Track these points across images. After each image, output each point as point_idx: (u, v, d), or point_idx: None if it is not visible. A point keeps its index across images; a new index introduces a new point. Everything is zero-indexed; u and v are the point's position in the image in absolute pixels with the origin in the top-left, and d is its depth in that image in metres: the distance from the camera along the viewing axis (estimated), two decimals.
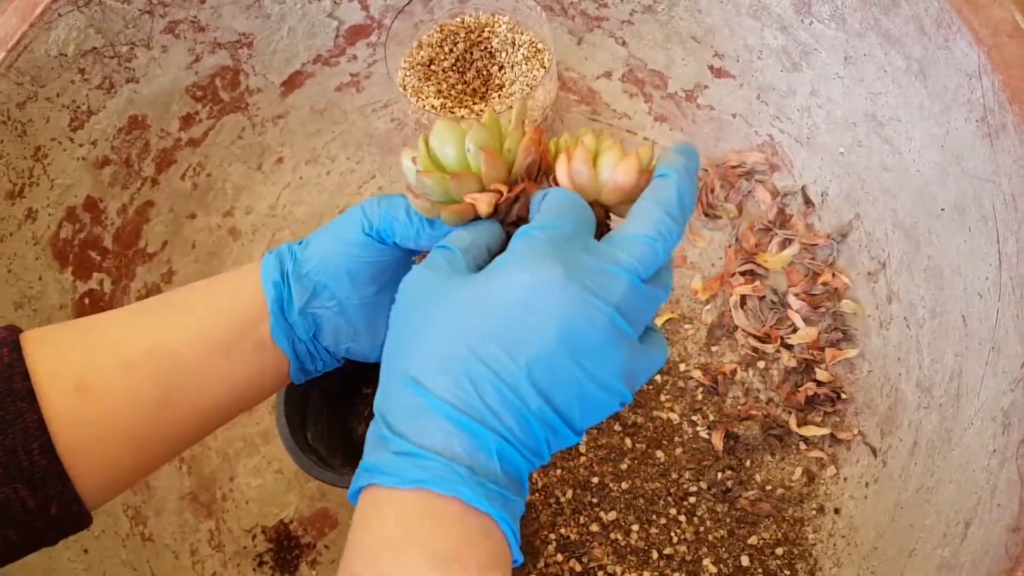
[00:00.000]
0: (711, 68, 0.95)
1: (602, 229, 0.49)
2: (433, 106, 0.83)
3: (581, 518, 0.83)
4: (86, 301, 0.88)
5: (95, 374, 0.48)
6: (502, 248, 0.47)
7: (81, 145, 0.86)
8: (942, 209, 0.77)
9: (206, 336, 0.50)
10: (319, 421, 0.82)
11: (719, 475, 0.83)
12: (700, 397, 0.86)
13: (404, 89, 0.84)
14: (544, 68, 0.82)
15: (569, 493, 0.84)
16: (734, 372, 0.87)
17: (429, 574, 0.38)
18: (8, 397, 0.45)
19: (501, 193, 0.47)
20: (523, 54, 0.84)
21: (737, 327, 0.88)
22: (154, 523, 0.87)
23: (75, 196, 0.87)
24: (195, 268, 0.97)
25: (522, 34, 0.85)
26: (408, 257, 0.54)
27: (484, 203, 0.47)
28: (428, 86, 0.84)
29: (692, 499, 0.82)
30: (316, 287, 0.52)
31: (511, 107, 0.81)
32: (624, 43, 0.99)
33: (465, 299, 0.42)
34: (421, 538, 0.39)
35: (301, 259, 0.52)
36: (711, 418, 0.85)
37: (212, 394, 0.51)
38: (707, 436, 0.84)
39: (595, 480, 0.84)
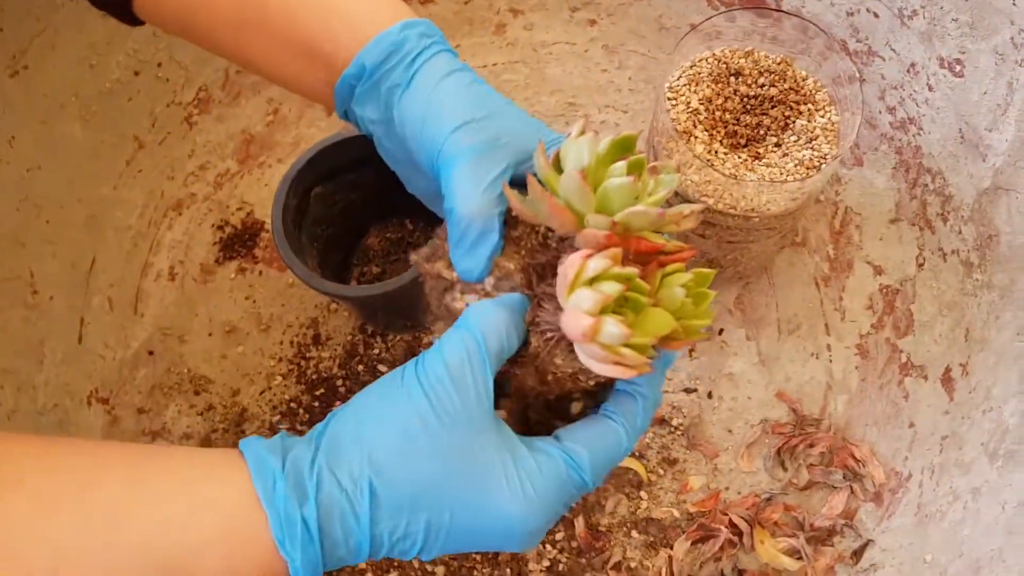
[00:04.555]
0: (944, 380, 0.76)
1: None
2: (689, 106, 0.72)
3: None
4: None
5: None
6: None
7: None
8: None
9: None
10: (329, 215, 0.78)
11: None
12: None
13: (679, 74, 0.73)
14: (798, 184, 0.68)
15: None
16: (619, 566, 0.74)
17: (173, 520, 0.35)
18: None
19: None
20: (803, 157, 0.70)
21: (670, 547, 0.74)
22: (202, 123, 0.89)
23: None
24: None
25: (828, 145, 0.71)
26: None
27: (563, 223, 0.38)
28: (703, 88, 0.73)
29: None
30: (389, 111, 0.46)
31: (730, 177, 0.69)
32: (920, 265, 0.81)
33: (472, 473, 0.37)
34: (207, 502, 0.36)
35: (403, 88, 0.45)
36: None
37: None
38: None
39: None
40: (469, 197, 0.40)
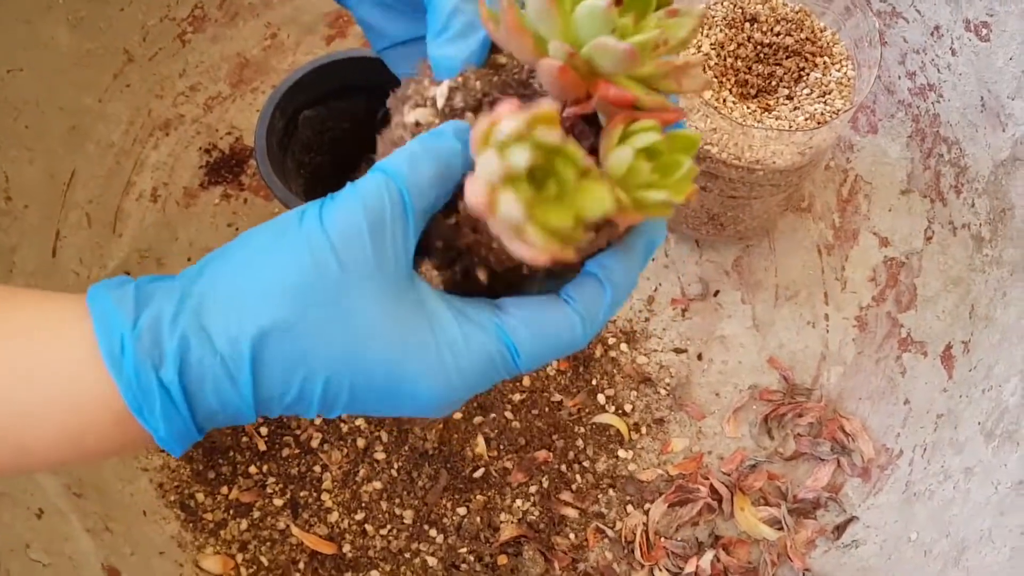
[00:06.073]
0: (944, 357, 0.73)
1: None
2: (700, 50, 0.69)
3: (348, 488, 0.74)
4: None
5: None
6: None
7: None
8: None
9: None
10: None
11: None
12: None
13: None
14: (806, 137, 0.65)
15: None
16: (576, 515, 0.71)
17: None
18: None
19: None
20: (815, 111, 0.67)
21: (648, 507, 0.72)
22: (196, 41, 0.86)
23: None
24: None
25: (842, 100, 0.67)
26: None
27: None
28: (716, 32, 0.69)
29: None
30: None
31: (747, 117, 0.66)
32: (929, 239, 0.78)
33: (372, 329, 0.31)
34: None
35: None
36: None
37: None
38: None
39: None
40: None
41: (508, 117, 0.28)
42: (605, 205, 0.28)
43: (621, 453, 0.74)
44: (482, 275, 0.34)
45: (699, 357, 0.78)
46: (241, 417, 0.32)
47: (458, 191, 0.32)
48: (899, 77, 0.81)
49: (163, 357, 0.29)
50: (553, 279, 0.34)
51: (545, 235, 0.28)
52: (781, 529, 0.71)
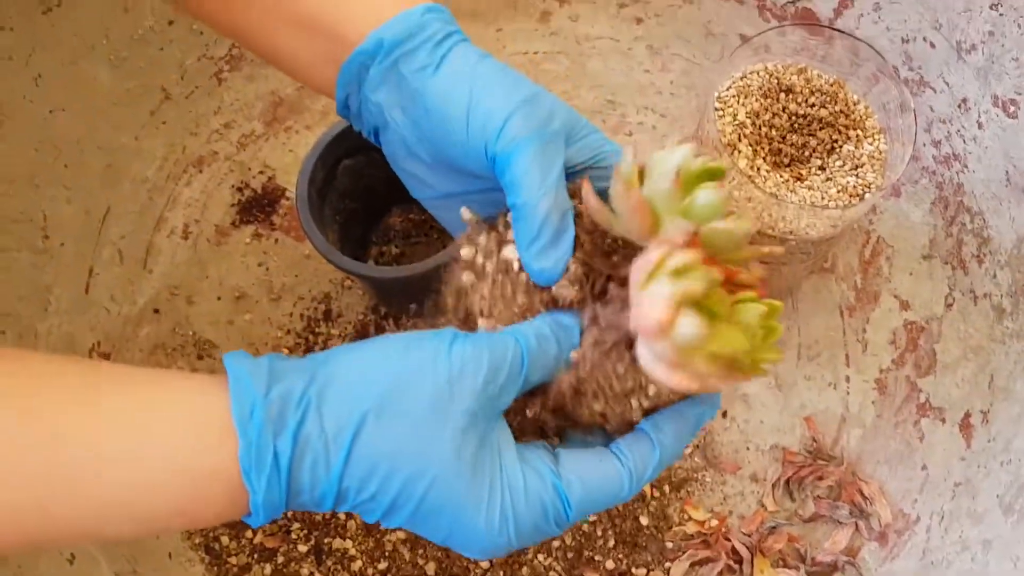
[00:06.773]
0: (963, 425, 0.75)
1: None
2: (736, 119, 0.70)
3: None
4: None
5: None
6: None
7: None
8: None
9: None
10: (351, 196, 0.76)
11: None
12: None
13: (728, 84, 0.71)
14: (839, 212, 0.66)
15: None
16: None
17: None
18: None
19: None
20: (847, 184, 0.68)
21: (669, 566, 0.73)
22: (232, 80, 0.87)
23: None
24: None
25: (874, 174, 0.69)
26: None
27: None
28: (752, 101, 0.71)
29: None
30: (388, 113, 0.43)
31: (776, 196, 0.67)
32: (949, 306, 0.79)
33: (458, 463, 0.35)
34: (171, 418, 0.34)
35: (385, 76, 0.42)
36: None
37: None
38: None
39: None
40: (544, 190, 0.37)
41: (680, 251, 0.32)
42: (744, 345, 0.32)
43: (641, 511, 0.75)
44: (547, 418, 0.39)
45: (724, 415, 0.79)
46: (320, 503, 0.35)
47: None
48: (924, 144, 0.82)
49: (284, 428, 0.33)
50: (603, 431, 0.40)
51: (709, 363, 0.32)
52: None
